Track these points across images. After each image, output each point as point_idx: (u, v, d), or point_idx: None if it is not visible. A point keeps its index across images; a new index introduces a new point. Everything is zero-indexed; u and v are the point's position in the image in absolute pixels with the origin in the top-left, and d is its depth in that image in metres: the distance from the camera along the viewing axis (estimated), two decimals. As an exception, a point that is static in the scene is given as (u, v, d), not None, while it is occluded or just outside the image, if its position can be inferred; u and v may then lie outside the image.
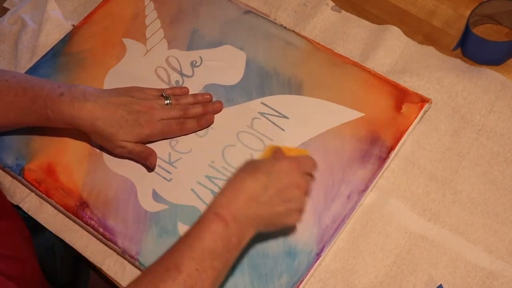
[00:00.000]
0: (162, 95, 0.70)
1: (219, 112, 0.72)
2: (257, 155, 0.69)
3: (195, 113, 0.71)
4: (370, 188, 0.66)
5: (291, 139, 0.69)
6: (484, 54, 0.73)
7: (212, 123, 0.71)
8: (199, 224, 0.55)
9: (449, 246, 0.63)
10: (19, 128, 0.71)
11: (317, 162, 0.62)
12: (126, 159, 0.70)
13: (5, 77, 0.68)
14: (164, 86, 0.75)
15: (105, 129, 0.65)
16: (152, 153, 0.68)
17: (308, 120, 0.71)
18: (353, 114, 0.70)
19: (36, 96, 0.66)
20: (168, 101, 0.70)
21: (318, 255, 0.62)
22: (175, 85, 0.75)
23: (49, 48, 0.80)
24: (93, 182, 0.69)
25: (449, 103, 0.71)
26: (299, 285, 0.61)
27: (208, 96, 0.73)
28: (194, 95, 0.73)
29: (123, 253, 0.65)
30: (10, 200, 0.70)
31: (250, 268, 0.62)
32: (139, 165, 0.70)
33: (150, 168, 0.69)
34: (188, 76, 0.76)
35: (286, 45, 0.76)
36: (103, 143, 0.69)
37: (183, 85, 0.75)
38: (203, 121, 0.71)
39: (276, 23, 0.78)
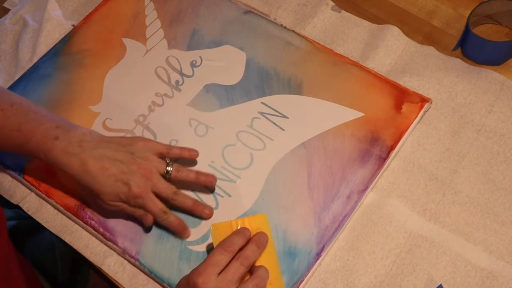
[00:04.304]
0: (165, 159, 0.64)
1: (207, 216, 0.65)
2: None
3: (182, 203, 0.64)
4: (370, 188, 0.66)
5: (291, 139, 0.69)
6: (484, 54, 0.73)
7: (188, 237, 0.65)
8: None
9: (449, 246, 0.63)
10: None
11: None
12: None
13: (2, 105, 0.64)
14: (164, 85, 0.75)
15: (93, 186, 0.61)
16: (147, 213, 0.63)
17: (308, 120, 0.71)
18: (353, 114, 0.70)
19: (30, 135, 0.62)
20: (169, 168, 0.63)
21: (318, 255, 0.62)
22: (175, 85, 0.75)
23: (49, 48, 0.80)
24: (93, 182, 0.69)
25: (449, 103, 0.71)
26: (299, 285, 0.61)
27: (212, 179, 0.65)
28: (197, 173, 0.65)
29: (123, 253, 0.65)
30: (10, 200, 0.70)
31: (250, 268, 0.62)
32: (139, 165, 0.70)
33: (147, 228, 0.65)
34: (188, 76, 0.76)
35: (286, 45, 0.76)
36: (90, 198, 0.65)
37: (183, 85, 0.75)
38: (182, 230, 0.64)
39: (276, 23, 0.78)
